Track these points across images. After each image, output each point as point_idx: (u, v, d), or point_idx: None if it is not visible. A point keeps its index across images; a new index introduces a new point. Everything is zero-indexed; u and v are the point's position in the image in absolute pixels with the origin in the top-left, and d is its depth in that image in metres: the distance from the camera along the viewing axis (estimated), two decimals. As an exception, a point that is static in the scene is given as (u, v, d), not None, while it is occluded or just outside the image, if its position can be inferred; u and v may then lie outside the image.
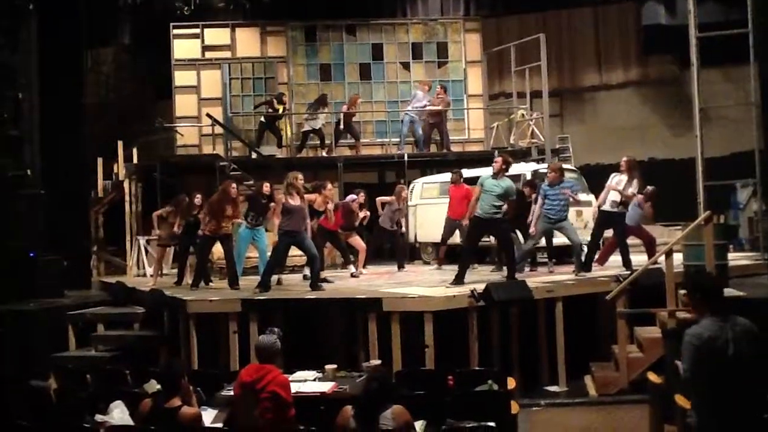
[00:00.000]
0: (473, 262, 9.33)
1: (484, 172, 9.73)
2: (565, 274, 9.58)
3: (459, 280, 8.76)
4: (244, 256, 10.36)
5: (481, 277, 9.36)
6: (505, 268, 9.20)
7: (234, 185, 9.81)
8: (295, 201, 8.93)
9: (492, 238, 9.87)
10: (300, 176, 9.13)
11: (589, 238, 10.00)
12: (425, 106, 14.67)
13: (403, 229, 12.35)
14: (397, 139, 15.12)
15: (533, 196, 10.15)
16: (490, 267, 10.76)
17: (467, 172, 11.60)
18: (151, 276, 11.38)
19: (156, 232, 11.51)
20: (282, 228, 8.98)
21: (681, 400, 4.77)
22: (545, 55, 14.61)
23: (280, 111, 14.58)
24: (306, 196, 9.46)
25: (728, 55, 12.81)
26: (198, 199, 10.58)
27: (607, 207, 9.68)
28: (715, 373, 4.01)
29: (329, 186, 10.00)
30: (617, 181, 9.72)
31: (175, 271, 10.96)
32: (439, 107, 14.64)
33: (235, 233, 10.29)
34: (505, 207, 9.01)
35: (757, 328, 4.11)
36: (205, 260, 10.24)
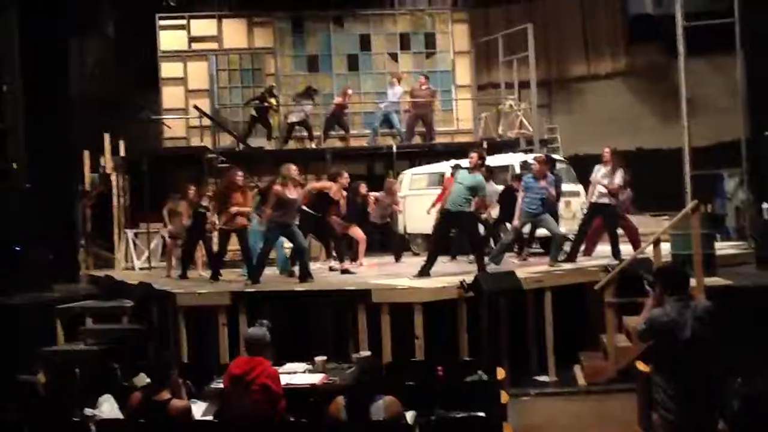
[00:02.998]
0: (441, 254, 9.08)
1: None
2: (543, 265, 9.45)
3: (425, 272, 8.58)
4: (257, 249, 10.10)
5: (461, 268, 9.31)
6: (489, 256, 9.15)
7: (240, 173, 9.44)
8: (292, 194, 8.75)
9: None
10: (294, 167, 8.98)
11: (576, 229, 9.99)
12: (401, 97, 14.63)
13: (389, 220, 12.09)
14: (385, 130, 15.07)
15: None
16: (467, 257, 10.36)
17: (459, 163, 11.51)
18: (165, 269, 10.97)
19: (167, 228, 11.12)
20: (274, 220, 8.80)
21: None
22: (533, 46, 14.61)
23: (273, 104, 14.49)
24: (322, 183, 9.57)
25: (714, 44, 12.84)
26: (192, 191, 10.46)
27: (595, 198, 9.64)
28: (673, 353, 4.30)
29: (345, 175, 9.86)
30: (602, 174, 9.60)
31: (164, 264, 10.83)
32: (424, 98, 14.57)
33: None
34: (475, 201, 8.87)
35: (716, 308, 4.41)
36: (222, 254, 9.80)
